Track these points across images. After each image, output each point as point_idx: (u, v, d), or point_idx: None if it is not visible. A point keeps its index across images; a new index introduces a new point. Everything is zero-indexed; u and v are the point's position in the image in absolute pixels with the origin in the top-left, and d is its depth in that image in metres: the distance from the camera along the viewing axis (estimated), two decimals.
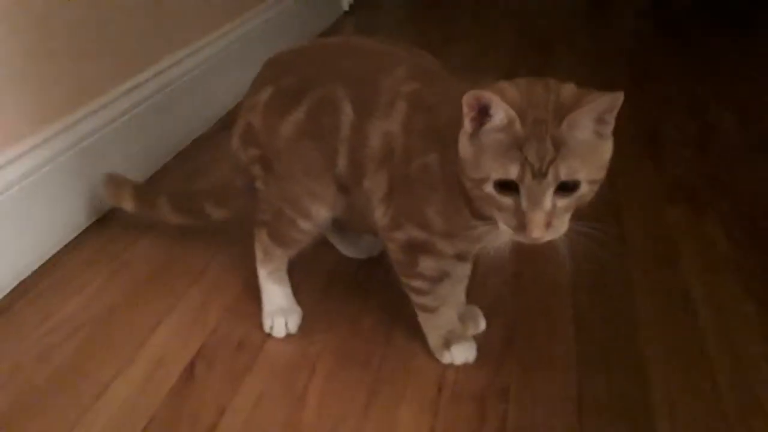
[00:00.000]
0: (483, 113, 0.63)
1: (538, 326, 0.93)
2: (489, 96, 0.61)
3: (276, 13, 1.80)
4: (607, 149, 0.64)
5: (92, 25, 1.13)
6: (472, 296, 0.93)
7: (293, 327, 0.91)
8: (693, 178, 1.29)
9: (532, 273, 1.03)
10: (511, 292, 1.00)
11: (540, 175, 0.61)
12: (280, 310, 0.92)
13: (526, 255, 1.04)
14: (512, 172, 0.62)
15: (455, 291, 0.89)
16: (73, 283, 1.00)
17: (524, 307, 0.97)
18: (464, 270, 0.89)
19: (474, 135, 0.65)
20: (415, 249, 0.80)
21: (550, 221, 0.63)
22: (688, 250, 1.08)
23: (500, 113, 0.62)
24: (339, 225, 1.01)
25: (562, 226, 0.65)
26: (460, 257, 0.85)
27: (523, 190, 0.63)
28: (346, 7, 2.35)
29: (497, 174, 0.63)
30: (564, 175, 0.61)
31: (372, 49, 0.84)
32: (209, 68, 1.47)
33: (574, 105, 0.61)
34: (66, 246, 1.08)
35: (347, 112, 0.79)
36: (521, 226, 0.64)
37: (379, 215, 0.81)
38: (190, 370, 0.85)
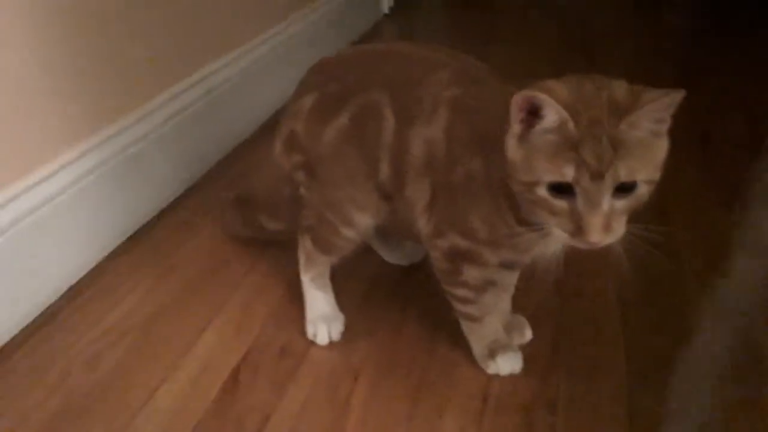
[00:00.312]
0: (533, 114, 0.61)
1: (586, 335, 0.91)
2: (540, 96, 0.60)
3: (318, 17, 1.81)
4: (663, 148, 0.62)
5: (134, 35, 1.15)
6: (516, 305, 0.91)
7: (336, 334, 0.91)
8: (746, 182, 1.24)
9: (577, 280, 1.01)
10: (556, 300, 0.98)
11: (598, 176, 0.59)
12: (323, 316, 0.91)
13: (572, 262, 1.02)
14: (568, 174, 0.60)
15: (501, 300, 0.88)
16: (120, 288, 1.02)
17: (571, 315, 0.94)
18: (511, 279, 0.88)
19: (523, 137, 0.63)
20: (458, 257, 0.78)
21: (609, 224, 0.61)
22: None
23: (552, 114, 0.60)
24: (381, 231, 1.00)
25: (620, 228, 0.63)
26: (506, 266, 0.84)
27: (579, 193, 0.60)
28: (386, 10, 2.35)
29: (551, 176, 0.61)
30: (623, 175, 0.59)
31: (415, 54, 0.83)
32: (252, 73, 1.48)
33: (631, 104, 0.59)
34: (113, 252, 1.10)
35: (389, 119, 0.78)
36: (578, 230, 0.61)
37: (422, 223, 0.80)
38: (235, 376, 0.85)
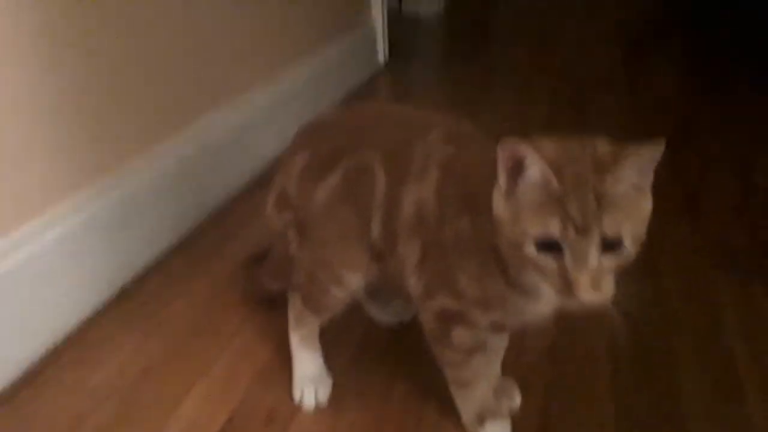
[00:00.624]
0: (518, 168, 0.62)
1: (576, 401, 0.89)
2: (524, 148, 0.61)
3: (314, 69, 1.83)
4: (647, 203, 0.63)
5: (127, 85, 1.16)
6: (506, 368, 0.90)
7: (323, 398, 0.89)
8: (737, 242, 1.25)
9: (567, 343, 1.00)
10: (547, 363, 0.97)
11: (584, 230, 0.59)
12: (310, 378, 0.90)
13: (563, 323, 1.02)
14: (553, 228, 0.60)
15: (490, 363, 0.87)
16: (107, 346, 1.01)
17: (560, 379, 0.94)
18: (501, 341, 0.87)
19: (510, 192, 0.63)
20: (448, 319, 0.78)
21: (597, 281, 0.61)
22: (733, 319, 1.04)
23: (536, 167, 0.61)
24: (371, 290, 1.00)
25: (608, 287, 0.62)
26: (496, 328, 0.83)
27: (566, 249, 0.60)
28: (381, 62, 2.39)
29: (537, 230, 0.61)
30: (609, 229, 0.59)
31: (406, 115, 0.85)
32: (247, 125, 1.50)
33: (613, 159, 0.60)
34: (101, 307, 1.09)
35: (381, 179, 0.79)
36: (567, 288, 0.61)
37: (413, 283, 0.80)
38: None
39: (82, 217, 1.05)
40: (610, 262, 0.61)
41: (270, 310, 1.05)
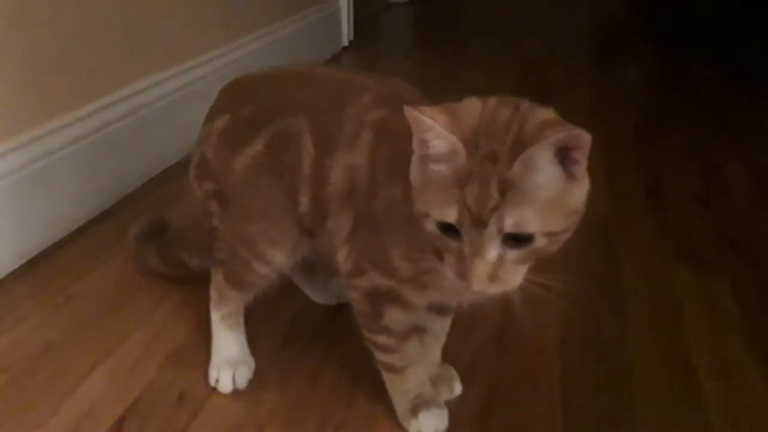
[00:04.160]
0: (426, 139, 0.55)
1: (521, 392, 0.82)
2: (426, 121, 0.53)
3: (267, 44, 1.74)
4: (576, 193, 0.54)
5: (67, 40, 1.06)
6: (448, 355, 0.82)
7: (241, 382, 0.80)
8: (699, 235, 1.19)
9: (517, 331, 0.93)
10: (493, 351, 0.89)
11: (479, 223, 0.52)
12: (229, 360, 0.81)
13: (513, 309, 0.94)
14: (450, 215, 0.53)
15: (429, 349, 0.80)
16: (8, 317, 0.91)
17: (507, 369, 0.86)
18: (442, 324, 0.80)
19: (422, 159, 0.56)
20: (380, 299, 0.70)
21: (495, 274, 0.54)
22: (692, 312, 0.98)
23: (439, 141, 0.53)
24: (305, 266, 0.92)
25: (513, 279, 0.55)
26: (436, 310, 0.75)
27: (464, 236, 0.53)
28: (345, 43, 2.30)
29: (436, 214, 0.54)
30: (510, 226, 0.52)
31: (336, 77, 0.77)
32: (188, 94, 1.39)
33: (534, 139, 0.52)
34: (9, 275, 0.99)
35: (308, 148, 0.71)
36: (463, 274, 0.54)
37: (341, 259, 0.72)
38: (118, 427, 0.74)
39: None
40: (516, 255, 0.54)
41: (192, 287, 0.96)
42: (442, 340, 0.81)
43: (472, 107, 0.55)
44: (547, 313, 0.94)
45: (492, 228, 0.52)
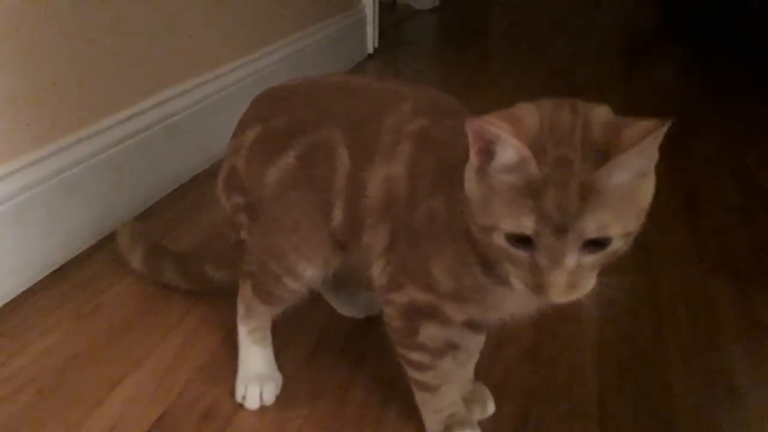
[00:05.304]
0: (489, 149, 0.52)
1: (556, 410, 0.79)
2: (492, 130, 0.50)
3: (293, 52, 1.73)
4: (648, 190, 0.52)
5: (94, 49, 1.06)
6: (480, 372, 0.80)
7: (269, 398, 0.79)
8: (737, 248, 1.15)
9: (553, 347, 0.90)
10: (527, 368, 0.86)
11: (561, 230, 0.49)
12: (256, 376, 0.80)
13: (547, 324, 0.92)
14: (526, 226, 0.50)
15: (462, 367, 0.77)
16: (35, 328, 0.90)
17: (541, 387, 0.83)
18: (476, 342, 0.77)
19: (482, 170, 0.53)
20: (417, 314, 0.68)
21: (573, 282, 0.51)
22: (732, 329, 0.94)
23: (510, 149, 0.51)
24: (334, 279, 0.90)
25: (587, 284, 0.53)
26: (471, 326, 0.73)
27: (540, 247, 0.51)
28: (370, 50, 2.28)
29: (508, 226, 0.51)
30: (592, 231, 0.50)
31: (373, 87, 0.75)
32: (217, 102, 1.39)
33: (610, 142, 0.49)
34: (36, 284, 0.98)
35: (343, 159, 0.69)
36: (538, 287, 0.52)
37: (377, 273, 0.70)
38: None
39: (16, 186, 0.94)
40: (592, 261, 0.52)
41: (218, 300, 0.94)
42: (476, 357, 0.79)
43: (528, 112, 0.53)
44: (581, 328, 0.91)
45: (573, 234, 0.50)
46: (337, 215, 0.70)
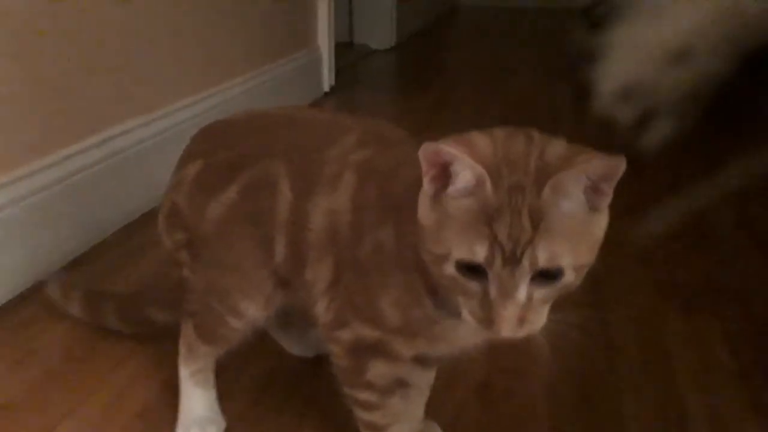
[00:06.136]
0: (445, 173, 0.51)
1: None
2: (451, 152, 0.49)
3: (248, 89, 1.73)
4: (600, 226, 0.52)
5: (40, 84, 1.03)
6: (431, 410, 0.78)
7: None
8: (686, 276, 1.16)
9: (504, 381, 0.88)
10: (478, 404, 0.85)
11: (513, 260, 0.49)
12: (198, 420, 0.76)
13: (498, 359, 0.90)
14: (479, 254, 0.49)
15: (414, 405, 0.75)
16: None
17: (494, 423, 0.82)
18: (427, 380, 0.75)
19: (436, 198, 0.52)
20: (364, 352, 0.66)
21: (524, 316, 0.50)
22: (683, 358, 0.94)
23: (466, 172, 0.50)
24: (281, 317, 0.87)
25: (539, 319, 0.52)
26: (421, 362, 0.71)
27: (491, 276, 0.50)
28: (326, 88, 2.30)
29: (460, 253, 0.50)
30: (543, 261, 0.49)
31: (316, 118, 0.74)
32: (167, 140, 1.37)
33: (561, 166, 0.49)
34: None
35: (285, 192, 0.67)
36: (489, 321, 0.51)
37: (321, 310, 0.68)
38: None
39: None
40: (544, 294, 0.51)
41: (159, 342, 0.91)
42: (426, 394, 0.77)
43: (482, 138, 0.53)
44: (532, 361, 0.90)
45: (525, 264, 0.49)
46: (280, 251, 0.69)
